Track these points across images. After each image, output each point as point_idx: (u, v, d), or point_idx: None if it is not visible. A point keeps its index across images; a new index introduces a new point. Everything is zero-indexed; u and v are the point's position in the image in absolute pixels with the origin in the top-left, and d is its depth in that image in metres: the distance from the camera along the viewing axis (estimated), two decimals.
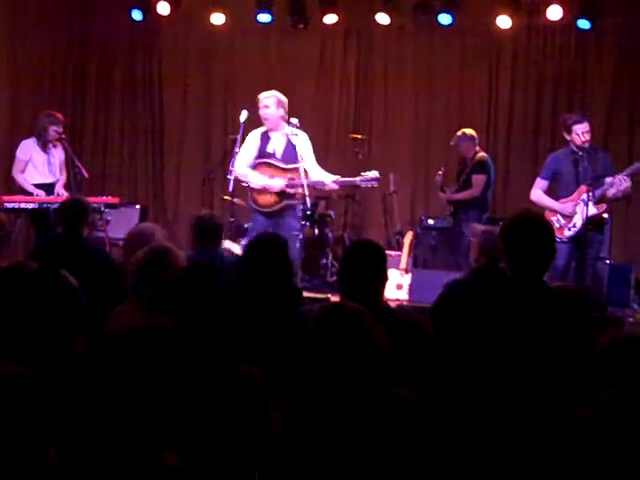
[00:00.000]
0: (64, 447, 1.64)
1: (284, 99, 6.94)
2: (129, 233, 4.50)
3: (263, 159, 6.85)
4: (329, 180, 6.80)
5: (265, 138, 6.87)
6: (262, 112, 6.83)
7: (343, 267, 3.51)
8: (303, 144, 6.85)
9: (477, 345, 3.04)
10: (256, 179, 6.79)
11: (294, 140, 6.81)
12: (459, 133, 8.11)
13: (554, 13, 8.67)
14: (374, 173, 6.87)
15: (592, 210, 6.58)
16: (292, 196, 6.78)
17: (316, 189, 7.00)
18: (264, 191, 6.79)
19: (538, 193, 6.96)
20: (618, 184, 6.54)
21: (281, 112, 6.86)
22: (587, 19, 8.75)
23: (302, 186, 6.68)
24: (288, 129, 6.82)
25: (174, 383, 1.75)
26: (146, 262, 3.32)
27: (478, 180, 7.88)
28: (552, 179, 6.94)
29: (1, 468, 1.47)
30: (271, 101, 6.84)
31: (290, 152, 6.82)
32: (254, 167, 6.85)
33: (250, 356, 3.02)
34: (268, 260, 3.83)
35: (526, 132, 9.54)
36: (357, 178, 6.88)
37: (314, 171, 6.88)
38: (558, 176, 6.88)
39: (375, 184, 6.92)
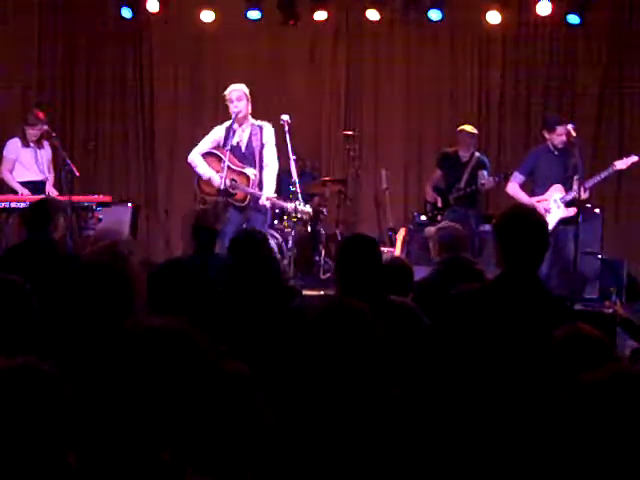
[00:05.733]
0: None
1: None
2: (96, 235, 4.60)
3: (216, 150, 6.94)
4: (264, 196, 6.76)
5: (231, 132, 6.89)
6: (236, 107, 6.81)
7: (339, 264, 3.51)
8: (266, 137, 6.89)
9: (472, 341, 3.04)
10: (204, 170, 6.90)
11: (257, 134, 6.86)
12: (473, 130, 8.10)
13: (543, 8, 8.69)
14: (308, 208, 6.89)
15: (564, 213, 6.97)
16: (231, 195, 6.79)
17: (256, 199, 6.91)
18: (209, 182, 6.91)
19: (515, 187, 7.27)
20: (585, 188, 6.84)
21: (249, 106, 6.89)
22: (576, 14, 8.76)
23: (242, 190, 6.77)
24: (253, 122, 6.90)
25: (181, 382, 1.74)
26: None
27: (485, 175, 7.87)
28: (529, 174, 7.26)
29: (20, 472, 1.46)
30: (243, 94, 6.85)
31: (251, 147, 6.87)
32: (204, 155, 6.97)
33: (242, 352, 3.02)
34: (251, 257, 3.83)
35: (517, 127, 9.56)
36: (290, 205, 6.85)
37: (265, 173, 6.87)
38: (535, 172, 7.22)
39: (305, 217, 6.95)
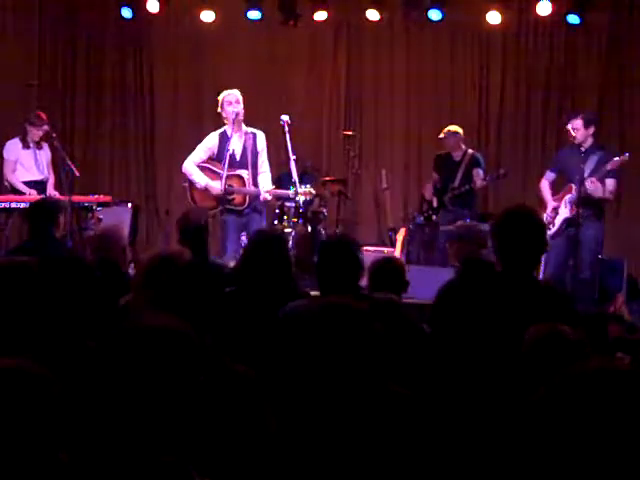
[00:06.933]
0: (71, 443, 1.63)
1: None
2: (96, 234, 4.66)
3: (206, 164, 6.95)
4: (263, 191, 6.81)
5: (225, 139, 6.88)
6: (235, 108, 6.81)
7: (320, 267, 3.57)
8: (260, 145, 6.92)
9: (469, 340, 3.05)
10: (200, 179, 6.89)
11: (250, 140, 6.86)
12: (452, 129, 8.09)
13: (544, 8, 8.69)
14: (310, 189, 6.89)
15: (566, 214, 6.83)
16: (229, 201, 6.81)
17: (255, 197, 6.91)
18: (204, 192, 6.89)
19: (543, 184, 7.15)
20: (589, 188, 6.67)
21: (242, 110, 6.90)
22: (576, 14, 8.76)
23: (240, 193, 6.79)
24: (246, 129, 6.90)
25: (181, 383, 1.74)
26: (154, 263, 3.34)
27: (481, 174, 7.89)
28: (558, 172, 7.11)
29: (9, 472, 1.46)
30: (240, 99, 6.87)
31: (245, 153, 6.88)
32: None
33: (248, 353, 3.02)
34: (268, 257, 3.82)
35: (517, 127, 9.57)
36: (290, 191, 6.86)
37: (261, 178, 6.91)
38: (563, 170, 7.05)
39: (308, 198, 6.92)
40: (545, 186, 7.11)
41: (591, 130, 6.87)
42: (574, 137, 6.82)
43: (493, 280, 3.28)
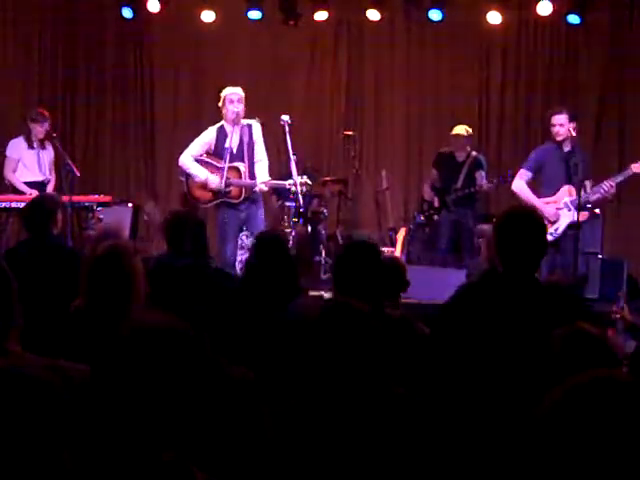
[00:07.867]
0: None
1: None
2: (95, 233, 4.65)
3: (203, 157, 6.96)
4: (259, 181, 6.81)
5: (222, 134, 6.90)
6: (236, 107, 6.82)
7: (337, 269, 3.50)
8: (255, 134, 6.92)
9: (471, 343, 3.04)
10: (198, 171, 6.90)
11: (246, 133, 6.87)
12: (470, 130, 8.09)
13: (544, 8, 8.69)
14: (306, 179, 6.88)
15: (572, 217, 6.57)
16: (227, 194, 6.81)
17: (252, 189, 6.90)
18: (202, 186, 6.89)
19: (521, 184, 6.83)
20: (605, 191, 6.55)
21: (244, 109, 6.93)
22: (577, 14, 8.77)
23: (237, 185, 6.80)
24: (242, 122, 6.90)
25: (186, 384, 1.74)
26: (99, 261, 3.31)
27: (483, 176, 7.89)
28: (536, 172, 6.83)
29: (11, 471, 1.46)
30: (242, 97, 6.89)
31: (242, 146, 6.88)
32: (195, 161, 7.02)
33: (249, 354, 3.02)
34: (273, 259, 3.80)
35: (517, 127, 9.57)
36: (286, 182, 6.86)
37: (257, 167, 6.91)
38: (542, 170, 6.80)
39: (305, 188, 6.89)
40: (524, 186, 6.79)
41: (572, 125, 6.67)
42: (557, 133, 6.65)
43: (506, 284, 3.24)
